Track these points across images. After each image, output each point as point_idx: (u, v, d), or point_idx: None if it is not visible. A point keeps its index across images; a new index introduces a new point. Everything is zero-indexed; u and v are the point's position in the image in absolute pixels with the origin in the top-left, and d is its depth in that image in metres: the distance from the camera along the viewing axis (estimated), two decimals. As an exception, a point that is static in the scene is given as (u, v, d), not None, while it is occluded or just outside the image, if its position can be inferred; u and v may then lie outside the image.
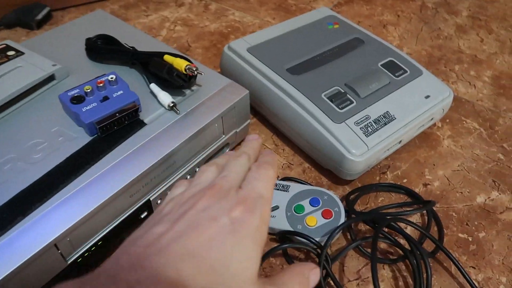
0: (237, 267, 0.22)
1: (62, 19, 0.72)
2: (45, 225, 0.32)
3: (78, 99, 0.39)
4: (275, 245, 0.41)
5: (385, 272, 0.40)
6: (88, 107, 0.38)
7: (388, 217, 0.41)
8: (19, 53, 0.45)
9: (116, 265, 0.21)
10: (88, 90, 0.39)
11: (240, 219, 0.23)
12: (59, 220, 0.32)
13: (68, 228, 0.32)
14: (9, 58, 0.44)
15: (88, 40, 0.48)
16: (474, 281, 0.40)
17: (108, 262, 0.22)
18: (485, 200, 0.47)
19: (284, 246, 0.39)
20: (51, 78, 0.44)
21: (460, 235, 0.44)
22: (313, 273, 0.27)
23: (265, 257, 0.40)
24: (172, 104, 0.42)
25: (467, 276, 0.38)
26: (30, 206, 0.33)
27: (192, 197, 0.25)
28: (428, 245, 0.43)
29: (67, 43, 0.50)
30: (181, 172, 0.42)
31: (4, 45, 0.46)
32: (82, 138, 0.39)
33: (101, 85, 0.40)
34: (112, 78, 0.41)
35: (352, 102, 0.47)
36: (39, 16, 0.68)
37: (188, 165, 0.43)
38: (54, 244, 0.32)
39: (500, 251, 0.43)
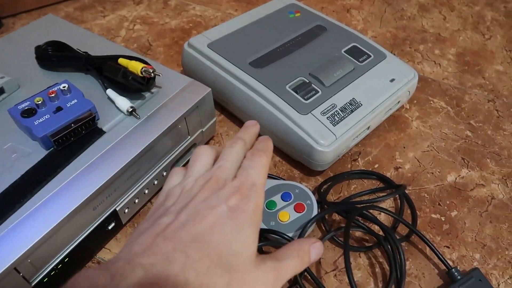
0: (238, 247, 0.25)
1: (14, 27, 0.69)
2: (2, 249, 0.30)
3: (29, 112, 0.37)
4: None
5: (361, 260, 0.40)
6: (40, 120, 0.37)
7: (360, 205, 0.41)
8: None
9: (129, 253, 0.24)
10: (39, 102, 0.37)
11: (237, 206, 0.26)
12: (17, 242, 0.31)
13: (27, 250, 0.31)
14: None
15: (38, 48, 0.45)
16: (448, 261, 0.40)
17: (121, 251, 0.24)
18: (456, 178, 0.48)
19: (258, 245, 0.38)
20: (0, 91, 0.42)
21: (433, 215, 0.44)
22: (314, 247, 0.28)
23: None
24: (131, 109, 0.40)
25: (441, 257, 0.38)
26: (-16, 231, 0.31)
27: (191, 189, 0.28)
28: (403, 228, 0.43)
29: (16, 52, 0.48)
30: (147, 178, 0.41)
31: None
32: (37, 153, 0.37)
33: (53, 95, 0.38)
34: (64, 87, 0.39)
35: (317, 92, 0.46)
36: (-12, 25, 0.65)
37: (154, 170, 0.42)
38: (14, 268, 0.30)
39: (472, 228, 0.43)
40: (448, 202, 0.45)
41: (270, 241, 0.40)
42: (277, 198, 0.42)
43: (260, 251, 0.40)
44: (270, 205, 0.41)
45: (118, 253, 0.24)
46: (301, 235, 0.38)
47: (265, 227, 0.40)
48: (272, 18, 0.57)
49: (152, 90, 0.43)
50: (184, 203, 0.26)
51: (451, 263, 0.40)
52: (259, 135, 0.34)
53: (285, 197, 0.42)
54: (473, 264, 0.40)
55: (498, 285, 0.39)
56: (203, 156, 0.31)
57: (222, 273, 0.23)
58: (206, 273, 0.23)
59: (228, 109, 0.54)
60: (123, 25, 0.70)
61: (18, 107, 0.38)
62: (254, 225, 0.26)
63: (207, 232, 0.24)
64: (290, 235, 0.39)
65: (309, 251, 0.28)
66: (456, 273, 0.38)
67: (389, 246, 0.39)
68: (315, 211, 0.41)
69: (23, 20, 0.70)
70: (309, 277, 0.38)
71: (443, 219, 0.44)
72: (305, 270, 0.37)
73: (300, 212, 0.41)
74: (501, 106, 0.57)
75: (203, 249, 0.24)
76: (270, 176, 0.46)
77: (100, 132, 0.39)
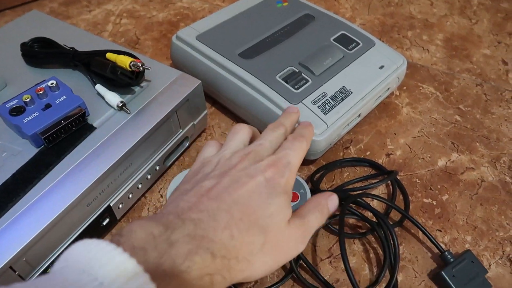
0: (273, 210, 0.27)
1: (-2, 24, 0.68)
2: (-4, 249, 0.30)
3: (17, 110, 0.37)
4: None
5: (356, 247, 0.41)
6: (29, 118, 0.36)
7: (353, 193, 0.42)
8: None
9: (177, 208, 0.26)
10: (28, 100, 0.37)
11: (272, 178, 0.28)
12: (10, 241, 0.31)
13: (21, 249, 0.30)
14: None
15: (23, 45, 0.44)
16: (441, 244, 0.41)
17: (168, 207, 0.27)
18: (446, 162, 0.48)
19: None
20: None
21: (425, 200, 0.45)
22: (330, 200, 0.31)
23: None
24: (121, 104, 0.40)
25: (433, 241, 0.39)
26: (-23, 231, 0.31)
27: (230, 159, 0.30)
28: (396, 214, 0.43)
29: (1, 49, 0.47)
30: (140, 172, 0.41)
31: None
32: (27, 151, 0.37)
33: (41, 92, 0.38)
34: (52, 83, 0.38)
35: (307, 81, 0.46)
36: (-28, 23, 0.64)
37: (147, 164, 0.42)
38: (10, 267, 0.30)
39: (463, 211, 0.44)
40: (439, 187, 0.46)
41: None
42: (270, 188, 0.42)
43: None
44: (264, 195, 0.41)
45: (164, 209, 0.27)
46: (295, 224, 0.38)
47: (259, 217, 0.40)
48: (260, 8, 0.56)
49: (142, 84, 0.43)
50: (224, 170, 0.29)
51: (443, 246, 0.41)
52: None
53: (278, 187, 0.42)
54: (465, 246, 0.41)
55: (490, 265, 0.40)
56: (241, 132, 0.33)
57: (259, 233, 0.26)
58: (247, 231, 0.26)
59: (219, 101, 0.53)
60: (109, 19, 0.69)
61: (6, 105, 0.37)
62: (286, 195, 0.28)
63: (247, 197, 0.27)
64: (285, 224, 0.39)
65: (327, 203, 0.31)
66: (448, 256, 0.38)
67: (382, 232, 0.39)
68: (308, 200, 0.41)
69: (7, 17, 0.69)
70: (305, 265, 0.38)
71: (434, 203, 0.44)
72: (300, 257, 0.38)
73: (294, 201, 0.41)
74: (489, 90, 0.57)
75: (243, 210, 0.26)
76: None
77: (91, 128, 0.39)
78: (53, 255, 0.34)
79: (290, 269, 0.38)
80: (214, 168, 0.29)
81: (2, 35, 0.49)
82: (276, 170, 0.28)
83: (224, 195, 0.27)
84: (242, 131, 0.33)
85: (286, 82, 0.46)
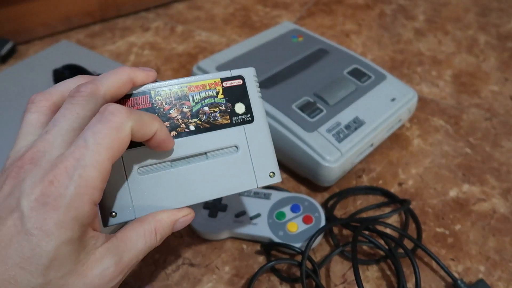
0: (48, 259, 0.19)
1: (27, 52, 0.71)
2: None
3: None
4: (260, 258, 0.41)
5: (369, 273, 0.41)
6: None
7: (367, 220, 0.42)
8: None
9: None
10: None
11: (45, 194, 0.18)
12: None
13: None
14: None
15: (56, 71, 0.47)
16: (454, 273, 0.41)
17: None
18: (458, 193, 0.49)
19: (270, 264, 0.39)
20: None
21: (437, 229, 0.45)
22: (158, 220, 0.23)
23: (253, 279, 0.39)
24: (145, 128, 0.42)
25: (446, 270, 0.39)
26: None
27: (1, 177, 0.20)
28: (408, 242, 0.44)
29: (34, 76, 0.50)
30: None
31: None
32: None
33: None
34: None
35: (322, 111, 0.48)
36: (3, 51, 0.67)
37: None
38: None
39: (476, 241, 0.44)
40: (451, 216, 0.47)
41: (278, 259, 0.40)
42: (286, 210, 0.43)
43: (273, 269, 0.41)
44: (279, 215, 0.42)
45: None
46: (308, 246, 0.39)
47: (277, 240, 0.41)
48: (277, 42, 0.60)
49: (165, 110, 0.45)
50: None
51: (456, 275, 0.41)
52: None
53: (294, 209, 0.43)
54: (478, 276, 0.41)
55: (504, 296, 0.40)
56: (33, 115, 0.22)
57: None
58: None
59: (235, 129, 0.55)
60: (132, 50, 0.73)
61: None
62: (73, 219, 0.19)
63: None
64: (298, 245, 0.40)
65: (156, 224, 0.23)
66: (462, 285, 0.39)
67: (395, 259, 0.40)
68: (323, 223, 0.42)
69: (36, 47, 0.73)
70: (319, 290, 0.39)
71: (447, 233, 0.45)
72: (316, 283, 0.38)
73: (308, 224, 0.42)
74: (498, 124, 0.59)
75: None
76: (281, 189, 0.47)
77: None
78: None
79: (306, 293, 0.38)
80: None
81: (36, 62, 0.52)
82: (53, 179, 0.18)
83: None
84: (35, 112, 0.22)
85: (302, 111, 0.48)
